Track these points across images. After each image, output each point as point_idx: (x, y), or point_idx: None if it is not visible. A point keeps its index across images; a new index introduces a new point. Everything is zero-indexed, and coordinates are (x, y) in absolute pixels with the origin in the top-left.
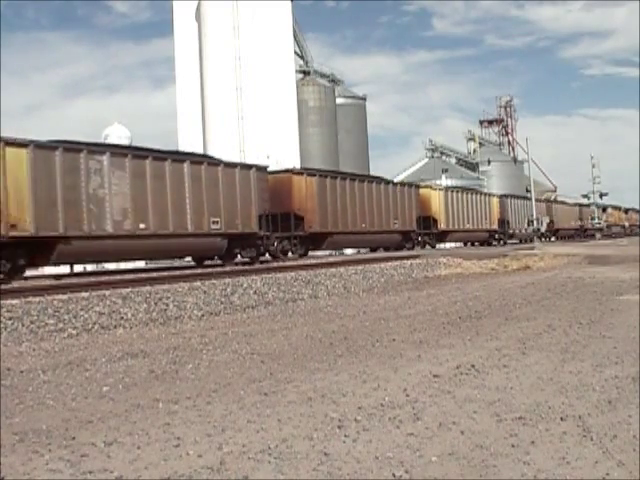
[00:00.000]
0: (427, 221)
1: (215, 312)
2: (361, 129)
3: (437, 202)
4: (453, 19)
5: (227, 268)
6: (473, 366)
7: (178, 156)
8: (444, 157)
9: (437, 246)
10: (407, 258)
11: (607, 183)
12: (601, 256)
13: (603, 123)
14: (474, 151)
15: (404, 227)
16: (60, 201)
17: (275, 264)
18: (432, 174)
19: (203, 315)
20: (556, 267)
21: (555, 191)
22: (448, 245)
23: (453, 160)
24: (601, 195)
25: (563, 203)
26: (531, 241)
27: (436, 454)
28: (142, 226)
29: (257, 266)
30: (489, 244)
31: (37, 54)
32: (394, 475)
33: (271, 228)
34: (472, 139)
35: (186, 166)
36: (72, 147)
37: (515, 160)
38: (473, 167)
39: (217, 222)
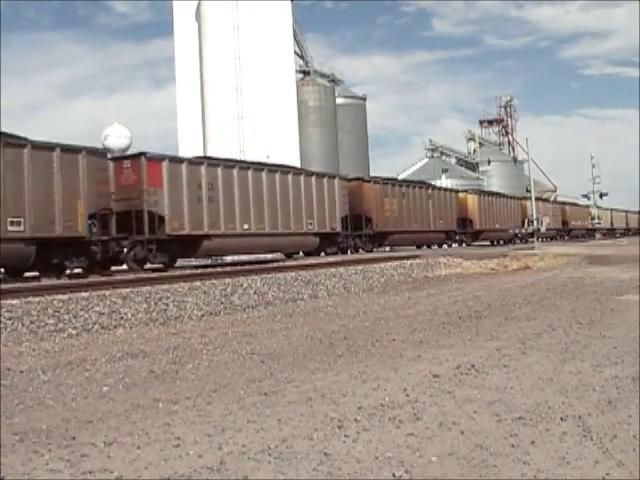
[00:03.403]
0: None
1: (215, 312)
2: (361, 129)
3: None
4: (453, 19)
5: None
6: (473, 366)
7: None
8: (444, 157)
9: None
10: (407, 258)
11: (607, 183)
12: (601, 256)
13: (603, 123)
14: (474, 151)
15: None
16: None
17: (276, 264)
18: (432, 174)
19: (203, 315)
20: (556, 267)
21: (555, 191)
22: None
23: (453, 160)
24: (601, 195)
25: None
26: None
27: (436, 454)
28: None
29: (257, 266)
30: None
31: (37, 54)
32: (394, 475)
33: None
34: (472, 139)
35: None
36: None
37: (515, 160)
38: (473, 167)
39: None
